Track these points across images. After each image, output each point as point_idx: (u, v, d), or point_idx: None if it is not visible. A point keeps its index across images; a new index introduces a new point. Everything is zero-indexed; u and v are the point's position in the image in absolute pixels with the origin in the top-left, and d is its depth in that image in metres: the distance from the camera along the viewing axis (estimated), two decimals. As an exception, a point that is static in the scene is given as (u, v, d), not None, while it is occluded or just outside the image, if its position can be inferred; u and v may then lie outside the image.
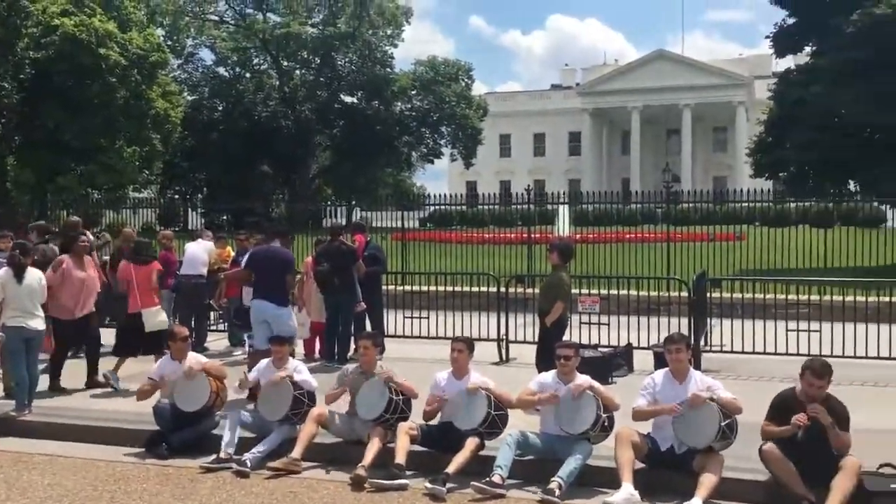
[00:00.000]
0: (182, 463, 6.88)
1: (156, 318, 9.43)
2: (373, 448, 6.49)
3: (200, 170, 56.53)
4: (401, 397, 6.90)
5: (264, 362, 7.60)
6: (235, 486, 6.31)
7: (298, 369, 7.40)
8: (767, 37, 26.83)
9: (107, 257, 13.27)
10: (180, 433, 7.17)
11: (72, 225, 12.54)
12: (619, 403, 6.57)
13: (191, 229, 29.85)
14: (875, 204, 25.65)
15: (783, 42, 26.34)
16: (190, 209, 39.75)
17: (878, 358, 9.85)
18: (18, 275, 8.26)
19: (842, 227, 19.08)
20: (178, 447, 7.08)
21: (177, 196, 56.40)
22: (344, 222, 14.30)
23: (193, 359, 7.68)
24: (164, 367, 7.68)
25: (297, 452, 6.68)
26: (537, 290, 13.87)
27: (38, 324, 8.36)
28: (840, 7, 23.35)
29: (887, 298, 11.24)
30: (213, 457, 6.80)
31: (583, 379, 6.65)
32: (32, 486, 6.40)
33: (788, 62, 30.32)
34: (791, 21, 26.15)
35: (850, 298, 11.40)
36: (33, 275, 8.43)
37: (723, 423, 5.96)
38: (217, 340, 12.20)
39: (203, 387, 7.30)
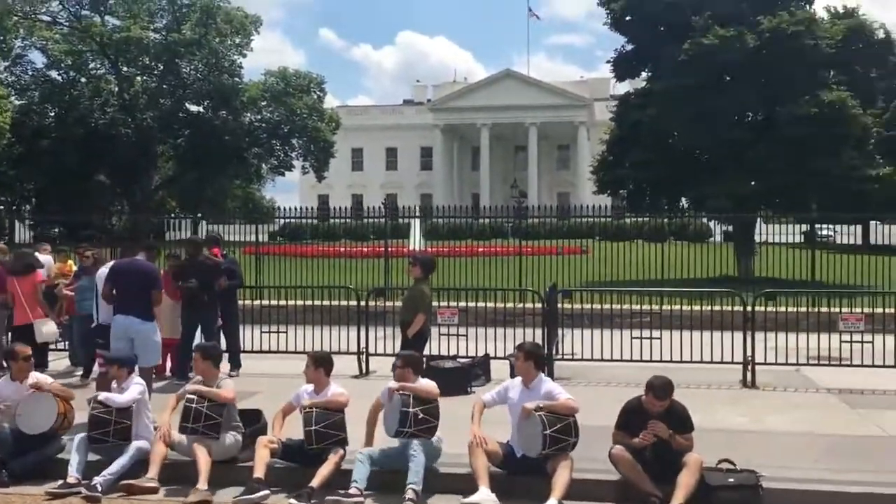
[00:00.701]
0: (25, 490, 6.45)
1: (48, 328, 9.31)
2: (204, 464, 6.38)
3: (29, 179, 52.82)
4: (205, 403, 6.67)
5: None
6: (86, 513, 5.97)
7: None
8: (608, 62, 28.52)
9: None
10: (23, 458, 6.71)
11: None
12: (436, 392, 6.68)
13: (18, 242, 27.85)
14: (704, 220, 27.79)
15: (622, 67, 28.05)
16: (17, 221, 37.03)
17: (711, 362, 10.63)
18: None
19: (674, 242, 20.51)
20: (20, 473, 6.63)
21: (1, 206, 52.45)
22: (201, 236, 13.80)
23: (36, 378, 7.20)
24: (3, 389, 7.15)
25: (152, 472, 6.42)
26: (397, 303, 14.05)
27: None
28: (673, 36, 25.21)
29: (718, 307, 12.18)
30: (60, 482, 6.41)
31: (422, 384, 6.75)
32: None
33: (627, 86, 32.28)
34: (629, 48, 27.93)
35: (685, 308, 12.29)
36: None
37: (547, 432, 6.18)
38: (57, 360, 11.45)
39: (50, 407, 6.87)
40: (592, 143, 58.65)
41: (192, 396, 6.65)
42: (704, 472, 6.14)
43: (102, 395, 6.88)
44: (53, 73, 53.89)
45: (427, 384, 6.77)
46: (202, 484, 6.22)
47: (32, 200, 53.51)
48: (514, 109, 67.68)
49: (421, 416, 6.43)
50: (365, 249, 22.57)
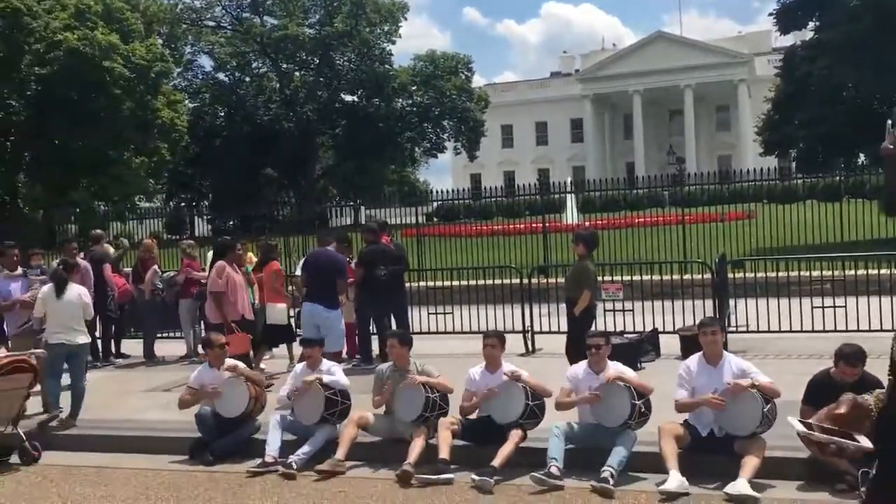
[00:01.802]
0: (228, 468, 7.00)
1: (276, 311, 10.34)
2: (416, 447, 6.60)
3: (205, 176, 56.75)
4: (437, 394, 7.00)
5: (299, 367, 7.71)
6: (285, 489, 6.42)
7: (331, 370, 7.49)
8: (770, 14, 26.88)
9: (128, 269, 13.48)
10: (223, 440, 7.29)
11: (95, 238, 12.73)
12: (653, 387, 6.65)
13: (198, 236, 29.97)
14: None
15: (786, 18, 26.31)
16: (196, 216, 39.91)
17: (904, 330, 9.88)
18: (59, 290, 8.38)
19: (850, 200, 19.08)
20: (221, 453, 7.20)
21: (182, 204, 56.64)
22: (367, 222, 14.30)
23: (231, 365, 7.79)
24: (202, 375, 7.78)
25: (340, 454, 6.79)
26: (559, 280, 14.00)
27: (80, 338, 8.47)
28: (843, -20, 23.37)
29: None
30: (259, 461, 6.92)
31: (613, 370, 6.71)
32: (86, 498, 6.52)
33: (791, 39, 30.30)
34: (793, -3, 26.14)
35: (872, 272, 11.47)
36: (74, 290, 8.54)
37: (764, 410, 6.03)
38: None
39: (242, 393, 7.41)
40: (754, 102, 55.55)
41: (426, 387, 6.93)
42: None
43: (327, 378, 7.27)
44: (221, 75, 57.57)
45: (543, 383, 6.85)
46: (410, 460, 6.47)
47: (209, 197, 57.45)
48: (667, 72, 65.16)
49: (535, 410, 6.63)
50: (521, 226, 22.57)
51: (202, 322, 11.98)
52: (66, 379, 8.55)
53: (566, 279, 9.64)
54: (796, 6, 25.94)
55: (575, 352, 8.55)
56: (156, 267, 12.37)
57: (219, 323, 9.25)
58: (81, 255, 12.06)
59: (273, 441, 7.02)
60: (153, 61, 35.62)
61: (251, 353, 9.57)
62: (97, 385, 10.52)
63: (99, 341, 12.22)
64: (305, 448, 6.95)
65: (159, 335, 12.43)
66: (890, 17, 22.56)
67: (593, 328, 8.91)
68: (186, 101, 51.38)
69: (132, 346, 12.49)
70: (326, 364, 7.63)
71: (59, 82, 32.15)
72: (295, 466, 6.72)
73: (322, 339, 8.10)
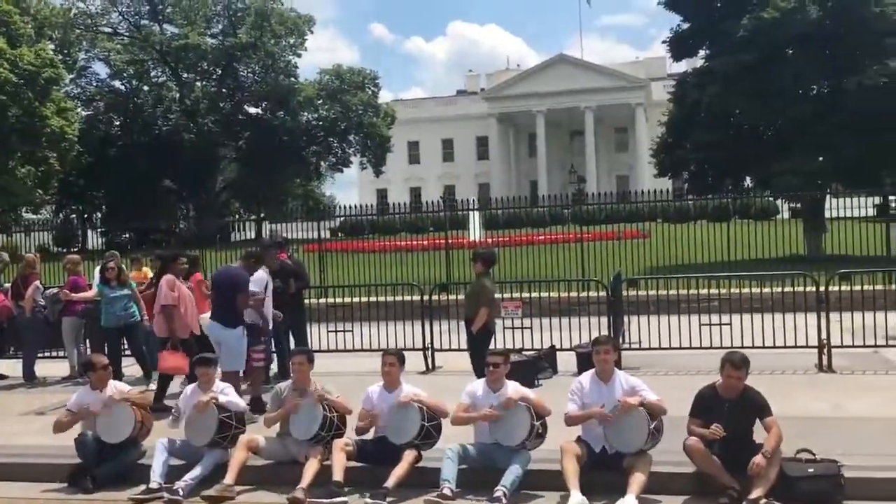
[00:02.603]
0: (109, 496, 6.66)
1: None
2: (311, 469, 6.44)
3: (98, 187, 54.50)
4: (335, 414, 6.87)
5: (190, 388, 7.42)
6: (169, 517, 6.14)
7: (225, 391, 7.26)
8: (664, 41, 27.90)
9: (7, 284, 12.73)
10: (105, 465, 6.92)
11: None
12: (550, 409, 6.71)
13: (90, 249, 28.72)
14: (770, 198, 27.02)
15: (679, 46, 27.42)
16: (89, 229, 38.26)
17: (785, 346, 10.37)
18: None
19: (738, 221, 19.98)
20: (103, 480, 6.84)
21: (73, 216, 54.24)
22: (267, 237, 14.02)
23: (114, 388, 7.43)
24: (83, 398, 7.38)
25: (229, 478, 6.55)
26: (460, 297, 14.06)
27: None
28: (731, 12, 24.54)
29: (790, 289, 11.84)
30: (143, 487, 6.60)
31: (513, 390, 6.74)
32: (-51, 532, 6.07)
33: (684, 65, 31.60)
34: (686, 26, 27.27)
35: (756, 290, 12.00)
36: None
37: (650, 427, 6.17)
38: (133, 365, 11.78)
39: (127, 416, 7.06)
40: (651, 125, 57.60)
41: (324, 406, 6.77)
42: (783, 462, 5.99)
43: (224, 399, 7.02)
44: (117, 83, 55.50)
45: (440, 402, 6.82)
46: (303, 484, 6.30)
47: (103, 208, 55.17)
48: (568, 94, 66.85)
49: (430, 430, 6.59)
50: (424, 242, 22.63)
51: (86, 340, 11.48)
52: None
53: (465, 297, 9.69)
54: (688, 35, 27.08)
55: (477, 368, 8.57)
56: (38, 283, 11.73)
57: (165, 337, 9.03)
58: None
59: (158, 466, 6.71)
60: (42, 67, 33.99)
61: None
62: (-31, 408, 9.90)
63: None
64: (193, 473, 6.68)
65: (40, 354, 11.76)
66: (775, 47, 23.83)
67: (492, 346, 8.97)
68: (79, 109, 49.34)
69: (11, 366, 11.80)
70: (220, 385, 7.38)
71: (-61, 86, 30.35)
72: (181, 493, 6.45)
73: (216, 358, 7.81)
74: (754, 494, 5.73)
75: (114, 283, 10.44)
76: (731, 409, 6.18)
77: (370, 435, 6.89)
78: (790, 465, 5.99)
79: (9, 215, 34.83)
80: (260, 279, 9.29)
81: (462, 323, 11.87)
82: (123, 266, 11.31)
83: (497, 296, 10.39)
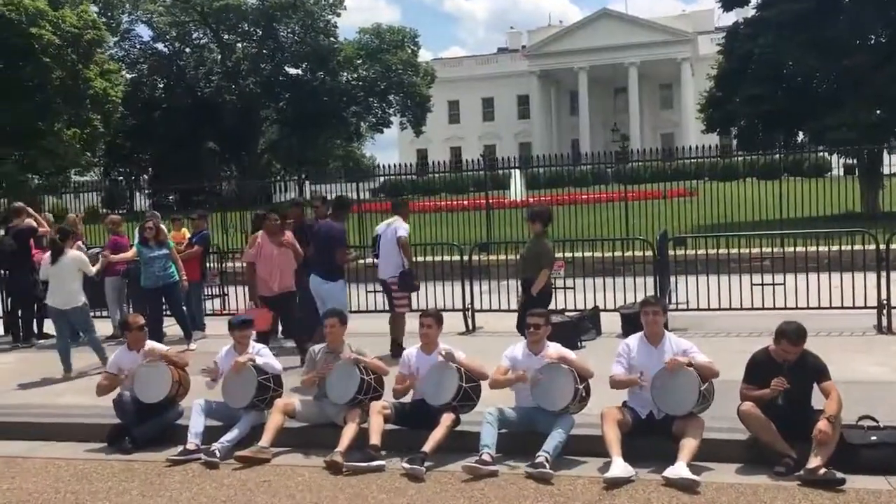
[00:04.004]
0: (147, 457, 6.60)
1: None
2: (348, 432, 6.30)
3: (144, 150, 55.15)
4: (372, 376, 6.70)
5: (225, 348, 7.31)
6: (206, 479, 6.06)
7: (262, 353, 7.14)
8: (714, -9, 26.85)
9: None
10: (143, 426, 6.87)
11: (15, 211, 12.04)
12: (593, 371, 6.46)
13: (137, 211, 29.01)
14: (822, 154, 26.07)
15: (730, -5, 26.38)
16: (136, 191, 38.72)
17: (842, 307, 9.93)
18: (55, 257, 9.35)
19: (790, 178, 19.26)
20: (142, 441, 6.80)
21: (121, 178, 54.99)
22: (311, 196, 13.88)
23: (151, 347, 7.37)
24: (121, 359, 7.34)
25: (265, 440, 6.45)
26: (501, 258, 13.80)
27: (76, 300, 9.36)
28: (784, -41, 23.45)
29: (848, 247, 11.33)
30: (180, 448, 6.53)
31: (554, 350, 6.49)
32: (-11, 492, 6.07)
33: (734, 16, 30.46)
34: (737, -27, 26.18)
35: (811, 249, 11.51)
36: (69, 256, 9.53)
37: (701, 388, 5.89)
38: (173, 326, 11.80)
39: (164, 376, 7.00)
40: (697, 80, 56.06)
41: (360, 369, 6.61)
42: (844, 430, 5.66)
43: (261, 361, 6.92)
44: (160, 46, 55.72)
45: (480, 366, 6.58)
46: (340, 448, 6.17)
47: (149, 170, 55.83)
48: (612, 50, 65.38)
49: (469, 392, 6.39)
50: (465, 202, 22.32)
51: (129, 300, 11.50)
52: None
53: (522, 258, 9.29)
54: (740, -17, 26.02)
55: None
56: (80, 243, 11.75)
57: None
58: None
59: (195, 427, 6.64)
60: (85, 29, 34.11)
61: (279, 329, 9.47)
62: (15, 368, 10.02)
63: (19, 321, 11.67)
64: (230, 435, 6.59)
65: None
66: (829, -2, 22.80)
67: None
68: (124, 72, 49.63)
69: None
70: (255, 346, 7.26)
71: (-17, 49, 30.65)
72: (218, 455, 6.36)
73: (250, 319, 7.68)
74: (813, 463, 5.42)
75: (152, 243, 10.37)
76: (788, 373, 5.85)
77: (408, 398, 6.72)
78: (851, 433, 5.66)
79: (56, 178, 35.29)
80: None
81: (503, 283, 11.73)
82: (163, 226, 11.26)
83: (557, 255, 10.08)
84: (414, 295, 11.28)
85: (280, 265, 9.03)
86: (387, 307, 10.67)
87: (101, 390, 7.25)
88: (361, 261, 12.07)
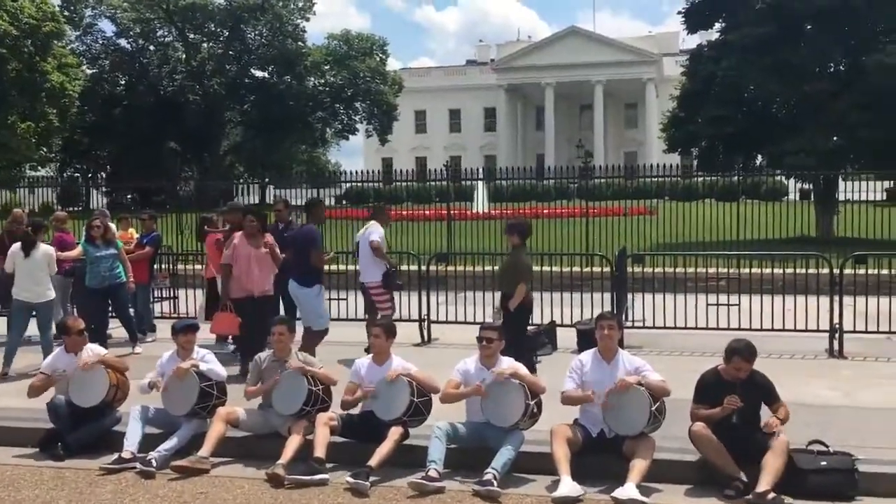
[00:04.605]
0: (80, 464, 6.32)
1: None
2: (293, 443, 6.09)
3: (103, 147, 54.11)
4: (320, 387, 6.51)
5: (167, 353, 7.05)
6: (139, 489, 5.80)
7: (206, 359, 6.90)
8: (679, 12, 27.16)
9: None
10: (78, 432, 6.58)
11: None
12: (545, 387, 6.35)
13: (93, 209, 28.37)
14: (780, 178, 26.47)
15: (694, 17, 26.70)
16: (92, 188, 37.89)
17: (795, 330, 9.98)
18: (27, 249, 9.23)
19: (747, 201, 19.49)
20: (75, 447, 6.51)
21: (77, 174, 53.87)
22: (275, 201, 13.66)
23: (90, 350, 7.09)
24: (57, 361, 7.06)
25: (205, 450, 6.20)
26: (459, 269, 13.68)
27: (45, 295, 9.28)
28: (749, -17, 23.84)
29: (802, 271, 11.42)
30: (115, 456, 6.26)
31: (507, 364, 6.37)
32: None
33: (698, 39, 30.87)
34: (702, -3, 26.51)
35: (766, 271, 11.58)
36: (41, 250, 9.38)
37: (652, 409, 5.81)
38: (119, 328, 11.44)
39: (101, 380, 6.72)
40: (661, 101, 56.76)
41: (308, 379, 6.41)
42: (793, 453, 5.62)
43: (205, 367, 6.70)
44: (123, 42, 54.80)
45: (431, 378, 6.46)
46: (283, 460, 5.96)
47: (107, 168, 54.79)
48: (579, 67, 65.96)
49: (420, 407, 6.27)
50: (428, 213, 22.21)
51: (72, 300, 11.14)
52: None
53: (500, 272, 9.08)
54: (704, 6, 26.34)
55: (516, 350, 8.15)
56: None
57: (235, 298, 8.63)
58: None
59: (132, 434, 6.38)
60: (43, 20, 33.38)
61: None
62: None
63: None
64: (169, 443, 6.34)
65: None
66: (793, 20, 23.18)
67: (486, 322, 8.56)
68: (84, 67, 48.68)
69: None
70: (200, 352, 7.01)
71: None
72: (154, 464, 6.11)
73: (196, 324, 7.43)
74: (762, 487, 5.35)
75: (99, 242, 10.04)
76: (739, 391, 5.80)
77: (356, 409, 6.53)
78: (801, 457, 5.62)
79: (9, 172, 34.37)
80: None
81: (461, 295, 11.61)
82: (112, 225, 10.92)
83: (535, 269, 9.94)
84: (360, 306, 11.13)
85: (259, 268, 8.66)
86: (360, 314, 10.53)
87: (34, 391, 6.94)
88: (335, 265, 11.89)
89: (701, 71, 25.58)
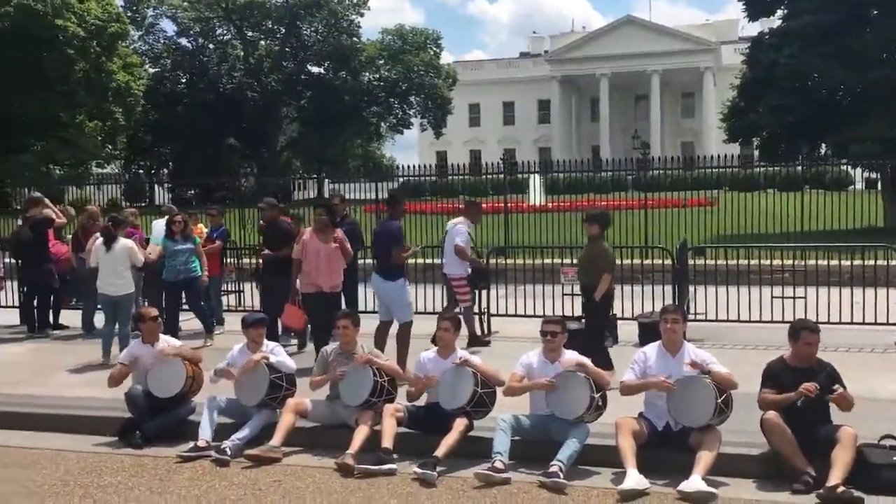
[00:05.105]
0: (158, 452, 6.57)
1: None
2: (360, 434, 6.24)
3: (165, 144, 55.45)
4: (385, 378, 6.65)
5: (238, 346, 7.28)
6: (216, 477, 6.02)
7: (275, 351, 7.09)
8: (739, 0, 26.61)
9: (69, 236, 12.84)
10: (154, 421, 6.85)
11: (33, 201, 12.10)
12: (610, 380, 6.38)
13: (157, 205, 29.14)
14: (845, 167, 25.76)
15: (755, 5, 26.13)
16: (156, 184, 38.91)
17: (863, 323, 9.78)
18: (107, 244, 9.68)
19: (810, 191, 19.04)
20: (152, 435, 6.77)
21: (141, 171, 55.32)
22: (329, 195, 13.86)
23: (165, 342, 7.36)
24: (134, 351, 7.33)
25: (276, 440, 6.40)
26: (519, 262, 13.72)
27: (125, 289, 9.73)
28: (813, -32, 23.21)
29: (870, 262, 11.16)
30: (191, 445, 6.50)
31: (570, 357, 6.41)
32: (2, 481, 6.05)
33: (759, 27, 30.20)
34: (765, -18, 25.93)
35: (832, 263, 11.34)
36: (121, 244, 9.81)
37: (719, 401, 5.78)
38: (190, 320, 11.80)
39: (177, 371, 6.97)
40: (719, 90, 55.71)
41: (374, 371, 6.57)
42: (864, 448, 5.55)
43: (274, 360, 6.87)
44: (183, 41, 56.03)
45: (496, 371, 6.54)
46: (352, 450, 6.11)
47: (169, 165, 56.12)
48: (634, 57, 65.07)
49: (483, 398, 6.34)
50: (484, 206, 22.19)
51: (144, 295, 11.51)
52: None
53: (579, 263, 9.01)
54: (766, -7, 25.77)
55: (595, 342, 8.19)
56: (137, 236, 11.76)
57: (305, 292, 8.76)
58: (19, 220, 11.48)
59: (207, 424, 6.61)
60: (109, 21, 34.35)
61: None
62: (28, 358, 10.05)
63: (35, 311, 11.71)
64: (242, 433, 6.55)
65: (99, 307, 11.85)
66: (858, 7, 22.52)
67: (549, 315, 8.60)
68: (147, 66, 49.91)
69: (71, 317, 11.94)
70: (269, 344, 7.21)
71: (10, 40, 30.81)
72: (229, 453, 6.32)
73: (265, 318, 7.64)
74: (833, 481, 5.29)
75: (178, 237, 10.42)
76: (805, 379, 5.72)
77: (421, 401, 6.66)
78: (873, 452, 5.54)
79: (77, 170, 35.52)
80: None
81: (520, 288, 11.66)
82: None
83: (556, 261, 9.98)
84: (430, 296, 11.27)
85: (328, 263, 8.69)
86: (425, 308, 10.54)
87: (113, 381, 7.22)
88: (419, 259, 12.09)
89: (762, 59, 25.01)
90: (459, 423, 6.19)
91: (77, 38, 31.72)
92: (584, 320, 8.81)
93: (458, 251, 9.87)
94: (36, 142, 34.08)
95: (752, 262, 12.05)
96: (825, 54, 22.48)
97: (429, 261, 13.01)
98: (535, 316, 11.09)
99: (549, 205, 23.76)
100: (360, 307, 10.30)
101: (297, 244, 8.99)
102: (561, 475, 5.66)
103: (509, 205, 19.90)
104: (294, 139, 59.34)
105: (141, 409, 6.91)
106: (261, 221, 11.01)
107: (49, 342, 11.14)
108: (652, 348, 6.34)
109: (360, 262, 11.13)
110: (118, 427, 6.96)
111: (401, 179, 30.99)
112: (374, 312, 10.40)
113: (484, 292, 10.84)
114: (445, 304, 10.52)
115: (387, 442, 6.12)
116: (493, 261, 11.73)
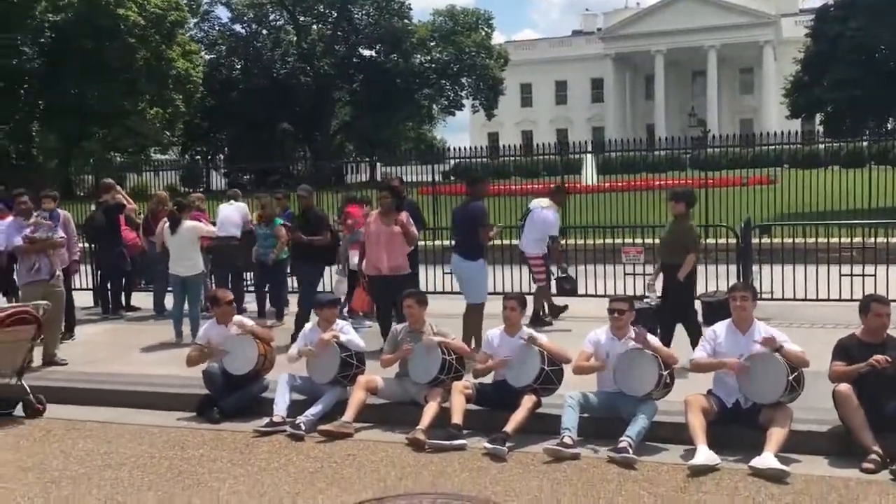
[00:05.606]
0: (235, 427, 6.82)
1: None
2: (430, 411, 6.38)
3: (221, 129, 56.39)
4: (453, 356, 6.77)
5: (308, 326, 7.48)
6: (292, 451, 6.23)
7: (345, 330, 7.26)
8: (801, -28, 25.94)
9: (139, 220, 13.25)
10: (231, 397, 7.10)
11: (105, 187, 12.52)
12: (678, 357, 6.40)
13: (213, 189, 29.75)
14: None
15: (818, -24, 25.47)
16: (212, 170, 39.61)
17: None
18: (174, 227, 10.01)
19: (877, 167, 18.51)
20: (229, 411, 7.03)
21: (198, 157, 56.42)
22: (385, 179, 14.02)
23: (239, 321, 7.60)
24: (209, 332, 7.59)
25: (348, 416, 6.58)
26: (578, 242, 13.69)
27: (193, 269, 10.02)
28: (879, -62, 22.47)
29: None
30: (266, 420, 6.73)
31: (638, 334, 6.44)
32: (90, 454, 6.36)
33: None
34: (828, -47, 25.25)
35: (901, 240, 11.09)
36: (186, 226, 10.10)
37: (790, 378, 5.76)
38: (249, 303, 12.07)
39: (251, 350, 7.21)
40: (779, 64, 54.39)
41: (442, 349, 6.71)
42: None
43: (344, 339, 7.05)
44: (237, 27, 56.77)
45: (562, 349, 6.61)
46: (422, 426, 6.25)
47: (225, 150, 57.08)
48: (691, 33, 63.80)
49: (550, 375, 6.42)
50: (538, 186, 22.14)
51: (212, 275, 11.84)
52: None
53: (663, 241, 8.84)
54: (831, -36, 25.07)
55: (673, 318, 8.19)
56: (204, 220, 12.11)
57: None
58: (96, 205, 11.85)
59: (281, 400, 6.83)
60: (168, 10, 35.05)
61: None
62: (105, 338, 10.44)
63: (108, 293, 12.14)
64: (315, 409, 6.75)
65: (170, 288, 12.23)
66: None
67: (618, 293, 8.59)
68: (203, 53, 50.75)
69: (142, 299, 12.35)
70: (339, 323, 7.39)
71: (73, 30, 31.68)
72: (303, 428, 6.53)
73: (337, 298, 7.83)
74: (905, 463, 5.26)
75: (262, 223, 10.92)
76: (875, 353, 5.67)
77: (489, 378, 6.77)
78: (948, 432, 5.47)
79: (137, 156, 36.42)
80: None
81: (581, 268, 11.65)
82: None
83: (617, 241, 9.93)
84: (490, 276, 11.30)
85: (388, 246, 8.68)
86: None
87: (191, 361, 7.50)
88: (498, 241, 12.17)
89: (827, 31, 24.39)
90: (528, 401, 6.28)
91: (138, 27, 32.45)
92: (660, 299, 8.72)
93: (553, 249, 10.49)
94: (99, 130, 35.03)
95: (821, 240, 11.81)
96: (892, 25, 21.80)
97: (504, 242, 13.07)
98: (594, 295, 11.12)
99: (605, 184, 23.58)
100: (423, 287, 10.47)
101: (364, 227, 9.13)
102: (630, 450, 5.72)
103: (564, 186, 19.76)
104: (347, 123, 59.80)
105: (218, 386, 7.16)
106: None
107: (123, 323, 11.55)
108: (721, 326, 6.33)
109: (421, 243, 11.27)
110: (196, 403, 7.24)
111: (453, 161, 31.07)
112: (440, 293, 10.51)
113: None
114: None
115: (457, 418, 6.25)
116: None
